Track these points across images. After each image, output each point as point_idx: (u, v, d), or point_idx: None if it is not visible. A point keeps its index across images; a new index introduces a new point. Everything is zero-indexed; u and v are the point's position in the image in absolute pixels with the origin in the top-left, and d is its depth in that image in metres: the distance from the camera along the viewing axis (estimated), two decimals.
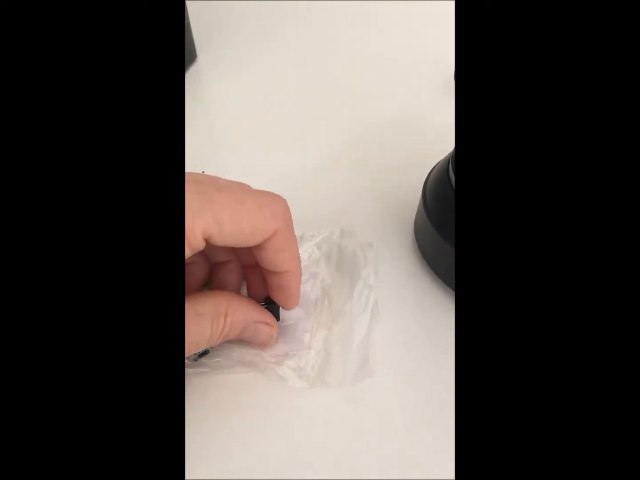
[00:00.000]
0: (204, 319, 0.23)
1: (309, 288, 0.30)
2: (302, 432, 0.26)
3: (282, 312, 0.29)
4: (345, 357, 0.28)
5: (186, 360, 0.27)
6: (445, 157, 0.30)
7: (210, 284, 0.29)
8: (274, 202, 0.23)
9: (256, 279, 0.28)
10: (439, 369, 0.28)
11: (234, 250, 0.28)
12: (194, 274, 0.28)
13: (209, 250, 0.27)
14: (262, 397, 0.27)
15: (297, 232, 0.33)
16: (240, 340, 0.27)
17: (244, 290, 0.29)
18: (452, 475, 0.24)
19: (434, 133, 0.40)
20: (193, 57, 0.49)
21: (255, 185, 0.25)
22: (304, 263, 0.31)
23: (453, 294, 0.30)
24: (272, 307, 0.27)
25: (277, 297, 0.27)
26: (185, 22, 0.45)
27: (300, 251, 0.31)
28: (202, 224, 0.20)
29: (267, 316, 0.27)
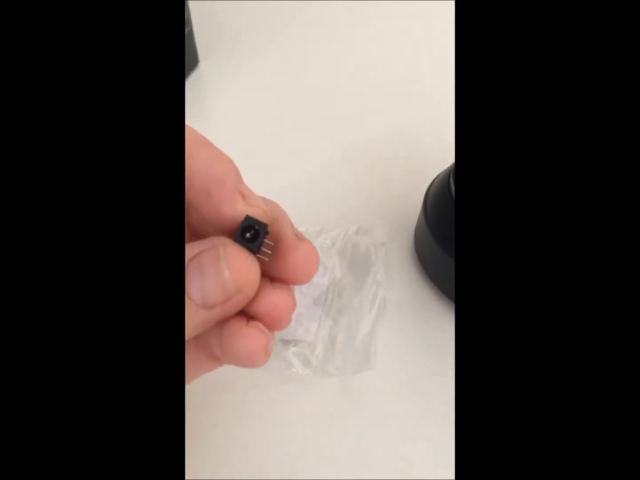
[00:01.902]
0: None
1: (319, 279, 0.32)
2: (302, 433, 0.27)
3: None
4: (348, 349, 0.30)
5: None
6: (447, 169, 0.30)
7: None
8: None
9: None
10: (436, 379, 0.29)
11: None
12: None
13: None
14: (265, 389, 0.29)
15: (316, 227, 0.34)
16: None
17: None
18: (452, 475, 0.26)
19: (437, 142, 0.40)
20: (195, 63, 0.48)
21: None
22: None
23: (452, 304, 0.31)
24: (253, 226, 0.17)
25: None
26: (189, 28, 0.45)
27: (315, 245, 0.33)
28: None
29: (210, 240, 0.16)
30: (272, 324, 0.17)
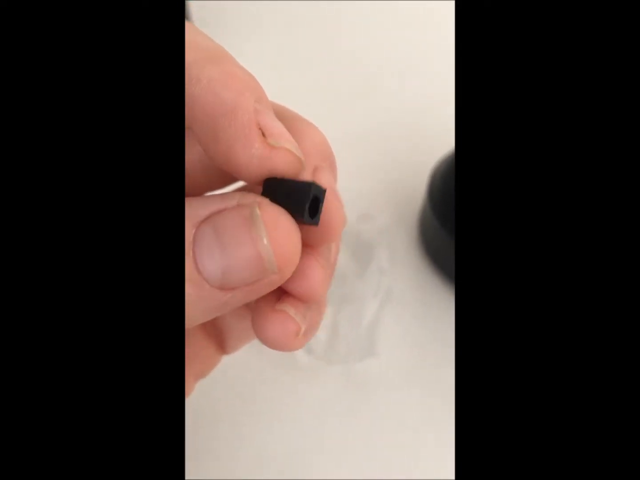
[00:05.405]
0: None
1: None
2: (306, 421, 0.27)
3: None
4: (352, 337, 0.29)
5: None
6: (452, 152, 0.30)
7: None
8: None
9: None
10: (442, 367, 0.28)
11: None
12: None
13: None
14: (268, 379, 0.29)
15: None
16: None
17: None
18: (452, 475, 0.25)
19: (438, 126, 0.39)
20: None
21: None
22: None
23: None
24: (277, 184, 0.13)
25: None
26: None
27: None
28: None
29: (235, 195, 0.12)
30: (305, 298, 0.14)
